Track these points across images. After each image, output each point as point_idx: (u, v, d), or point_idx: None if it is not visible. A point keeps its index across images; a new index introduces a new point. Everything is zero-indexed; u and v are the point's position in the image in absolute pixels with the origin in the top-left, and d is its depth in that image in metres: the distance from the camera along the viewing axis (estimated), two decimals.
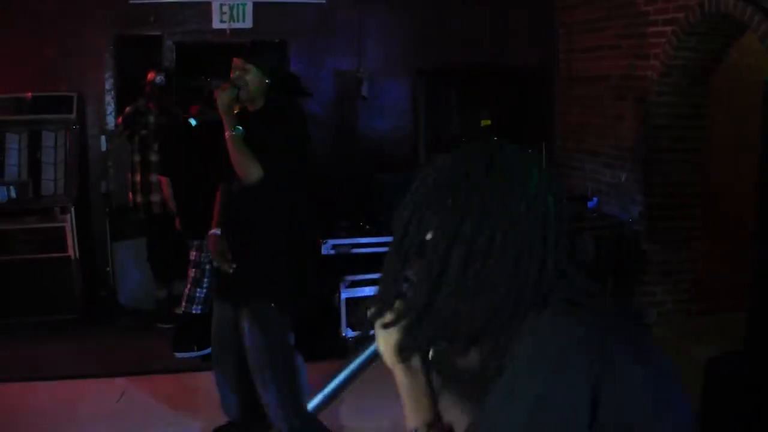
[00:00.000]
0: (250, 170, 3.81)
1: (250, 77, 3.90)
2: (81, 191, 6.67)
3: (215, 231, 4.17)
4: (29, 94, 6.55)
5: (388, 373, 1.49)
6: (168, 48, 7.13)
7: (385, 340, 1.45)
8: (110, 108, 7.09)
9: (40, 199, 6.51)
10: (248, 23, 7.11)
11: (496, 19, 7.47)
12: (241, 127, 3.84)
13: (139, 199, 6.43)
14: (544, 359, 1.24)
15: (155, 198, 6.40)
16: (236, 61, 3.93)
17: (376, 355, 1.50)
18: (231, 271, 4.04)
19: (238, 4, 7.05)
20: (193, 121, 4.12)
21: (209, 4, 7.04)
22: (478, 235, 1.31)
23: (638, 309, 5.74)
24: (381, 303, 1.45)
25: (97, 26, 6.92)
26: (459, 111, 6.62)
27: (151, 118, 6.38)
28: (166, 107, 6.41)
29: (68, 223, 6.35)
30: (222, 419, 4.50)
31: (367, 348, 1.52)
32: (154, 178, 6.38)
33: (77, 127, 6.68)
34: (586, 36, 6.91)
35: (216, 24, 7.08)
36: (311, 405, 1.66)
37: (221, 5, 7.05)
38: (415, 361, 1.47)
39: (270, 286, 3.99)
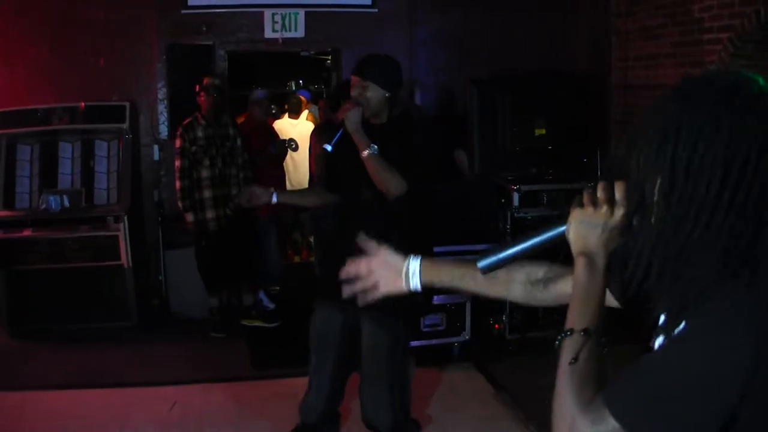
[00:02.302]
0: (394, 185, 3.77)
1: (370, 93, 3.84)
2: (134, 200, 6.68)
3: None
4: (82, 104, 6.59)
5: None
6: (220, 57, 7.15)
7: (575, 229, 1.42)
8: (163, 117, 7.13)
9: (93, 208, 6.53)
10: (300, 32, 7.13)
11: (549, 26, 7.41)
12: (375, 146, 3.78)
13: (190, 218, 6.30)
14: (709, 343, 1.14)
15: (210, 215, 6.35)
16: (354, 80, 3.88)
17: (559, 237, 1.49)
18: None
19: (290, 14, 7.06)
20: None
21: (261, 13, 7.07)
22: (693, 156, 1.21)
23: None
24: (590, 197, 1.41)
25: (149, 36, 6.98)
26: (513, 119, 6.50)
27: (200, 132, 6.31)
28: (219, 114, 6.39)
29: (121, 231, 6.35)
30: (274, 429, 4.46)
31: (554, 227, 1.50)
32: (206, 194, 6.34)
33: (130, 136, 6.71)
34: (642, 44, 6.80)
35: (268, 33, 7.10)
36: (483, 263, 1.61)
37: (273, 14, 7.07)
38: (600, 260, 1.40)
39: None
